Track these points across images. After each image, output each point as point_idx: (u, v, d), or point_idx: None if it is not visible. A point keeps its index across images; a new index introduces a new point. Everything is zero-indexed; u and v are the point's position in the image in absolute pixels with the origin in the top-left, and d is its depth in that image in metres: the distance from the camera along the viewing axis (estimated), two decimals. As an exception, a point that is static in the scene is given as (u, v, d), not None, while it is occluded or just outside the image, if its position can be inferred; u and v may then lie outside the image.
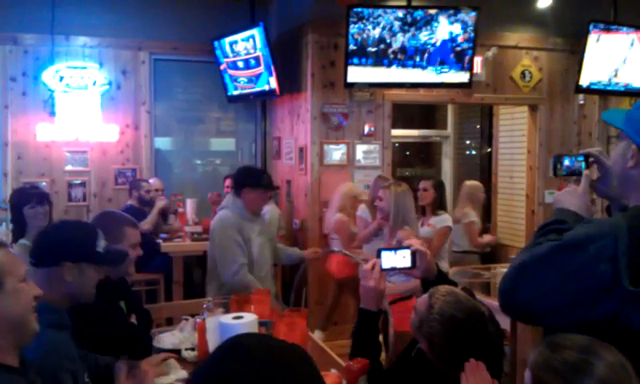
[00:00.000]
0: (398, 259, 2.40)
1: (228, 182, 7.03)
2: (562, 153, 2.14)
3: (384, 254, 2.39)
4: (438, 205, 5.26)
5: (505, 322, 4.31)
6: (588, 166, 2.05)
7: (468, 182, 6.38)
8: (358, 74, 5.81)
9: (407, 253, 2.41)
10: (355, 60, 5.77)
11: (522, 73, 6.97)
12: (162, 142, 7.57)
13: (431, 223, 5.15)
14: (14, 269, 1.64)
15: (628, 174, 1.74)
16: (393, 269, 2.42)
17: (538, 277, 1.64)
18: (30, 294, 1.67)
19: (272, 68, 6.22)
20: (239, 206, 4.10)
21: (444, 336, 2.06)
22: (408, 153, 9.32)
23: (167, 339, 2.89)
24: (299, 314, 2.79)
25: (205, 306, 3.04)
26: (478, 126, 8.75)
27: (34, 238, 2.27)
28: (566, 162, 2.05)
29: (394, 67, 5.85)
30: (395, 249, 2.42)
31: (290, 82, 6.58)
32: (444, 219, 5.14)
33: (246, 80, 6.63)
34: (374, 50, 5.78)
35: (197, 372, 1.01)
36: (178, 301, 5.52)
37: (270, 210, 5.99)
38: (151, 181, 6.67)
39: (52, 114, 6.71)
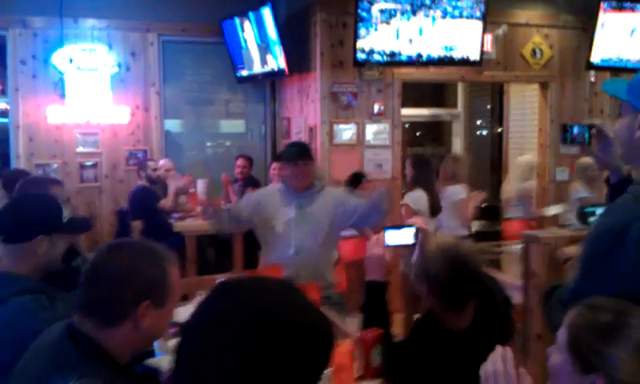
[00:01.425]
0: (402, 236, 2.50)
1: (240, 162, 7.05)
2: (572, 122, 2.20)
3: (388, 232, 2.49)
4: (414, 182, 5.30)
5: (516, 296, 4.33)
6: (591, 136, 2.10)
7: (580, 160, 6.40)
8: (366, 44, 5.79)
9: (411, 231, 2.50)
10: (364, 33, 5.75)
11: (533, 50, 6.92)
12: (172, 124, 7.58)
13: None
14: (177, 293, 1.65)
15: (637, 144, 1.74)
16: (396, 245, 2.51)
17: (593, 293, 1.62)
18: (171, 318, 1.68)
19: (281, 48, 6.20)
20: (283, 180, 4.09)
21: (442, 268, 2.15)
22: (419, 133, 9.30)
23: (183, 313, 2.91)
24: (311, 288, 2.82)
25: (218, 281, 3.06)
26: (489, 105, 8.72)
27: (1, 215, 2.22)
28: (575, 131, 2.11)
29: (403, 39, 5.83)
30: (400, 227, 2.53)
31: (299, 62, 6.56)
32: (410, 197, 5.21)
33: (254, 60, 6.63)
34: (382, 20, 5.75)
35: (190, 318, 1.04)
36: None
37: None
38: (162, 161, 6.70)
39: (62, 96, 6.73)
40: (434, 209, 5.22)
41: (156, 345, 2.81)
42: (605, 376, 1.40)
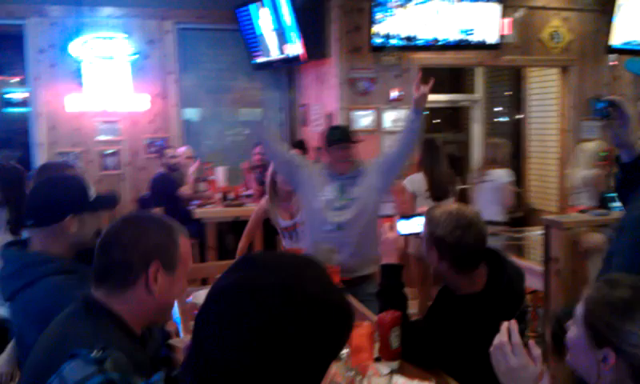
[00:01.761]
0: (412, 225, 2.62)
1: (259, 149, 7.04)
2: (599, 96, 2.22)
3: (400, 222, 2.64)
4: (419, 165, 5.39)
5: (538, 283, 4.32)
6: (610, 112, 2.11)
7: None
8: (383, 29, 5.76)
9: (421, 220, 2.53)
10: (380, 17, 5.73)
11: (552, 34, 6.84)
12: (191, 113, 7.60)
13: None
14: (188, 261, 1.68)
15: None
16: (407, 234, 2.66)
17: None
18: (182, 289, 1.71)
19: (298, 34, 6.19)
20: (323, 164, 3.93)
21: (448, 230, 2.23)
22: (438, 120, 9.23)
23: (203, 296, 2.94)
24: (332, 271, 2.82)
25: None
26: (508, 90, 8.64)
27: (29, 199, 2.24)
28: (600, 106, 2.13)
29: (420, 23, 5.80)
30: (411, 217, 2.66)
31: (316, 48, 6.53)
32: (408, 178, 5.36)
33: (271, 47, 6.63)
34: (399, 4, 5.73)
35: (212, 287, 1.05)
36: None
37: None
38: (181, 149, 6.75)
39: (81, 84, 6.80)
40: (437, 193, 5.21)
41: (180, 326, 2.86)
42: (617, 350, 1.40)
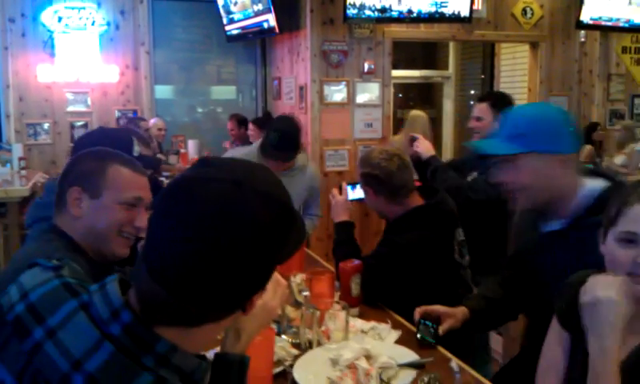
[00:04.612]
0: (359, 191, 2.75)
1: (228, 124, 7.00)
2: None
3: (348, 188, 2.82)
4: None
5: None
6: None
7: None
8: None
9: None
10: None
11: (524, 9, 6.89)
12: (163, 89, 7.53)
13: None
14: (120, 189, 1.68)
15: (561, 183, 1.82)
16: (354, 199, 2.84)
17: None
18: (120, 219, 1.69)
19: (271, 4, 6.16)
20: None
21: (374, 163, 2.50)
22: (410, 95, 9.29)
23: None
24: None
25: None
26: (480, 67, 8.71)
27: (75, 147, 2.38)
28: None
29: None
30: (354, 184, 2.80)
31: (290, 19, 6.52)
32: None
33: (243, 17, 6.59)
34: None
35: (167, 183, 1.06)
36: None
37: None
38: (153, 120, 6.70)
39: (52, 55, 6.71)
40: None
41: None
42: None
